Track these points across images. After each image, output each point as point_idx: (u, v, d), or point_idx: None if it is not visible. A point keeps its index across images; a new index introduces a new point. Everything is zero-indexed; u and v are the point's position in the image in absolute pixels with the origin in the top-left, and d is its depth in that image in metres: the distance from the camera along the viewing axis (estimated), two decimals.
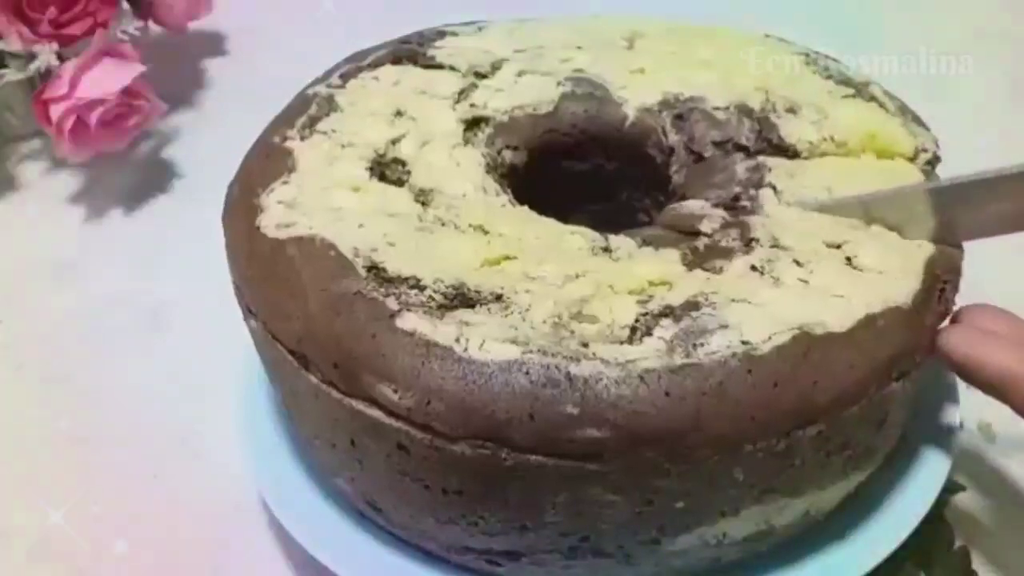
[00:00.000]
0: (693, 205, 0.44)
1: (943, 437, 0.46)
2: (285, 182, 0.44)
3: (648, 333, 0.37)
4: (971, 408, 0.48)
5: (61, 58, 0.68)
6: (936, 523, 0.47)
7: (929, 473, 0.45)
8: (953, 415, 0.47)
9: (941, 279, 0.41)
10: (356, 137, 0.46)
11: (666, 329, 0.37)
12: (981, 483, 0.51)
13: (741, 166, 0.46)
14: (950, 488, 0.49)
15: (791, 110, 0.48)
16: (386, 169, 0.45)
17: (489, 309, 0.38)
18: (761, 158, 0.46)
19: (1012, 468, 0.52)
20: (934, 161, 0.47)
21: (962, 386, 0.47)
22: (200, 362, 0.58)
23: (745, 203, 0.44)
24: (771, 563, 0.43)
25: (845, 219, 0.43)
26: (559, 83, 0.50)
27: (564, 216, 0.44)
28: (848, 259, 0.41)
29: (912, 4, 0.87)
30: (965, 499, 0.50)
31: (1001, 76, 0.79)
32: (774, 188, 0.44)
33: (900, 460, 0.45)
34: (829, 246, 0.41)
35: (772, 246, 0.41)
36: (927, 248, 0.42)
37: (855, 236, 0.42)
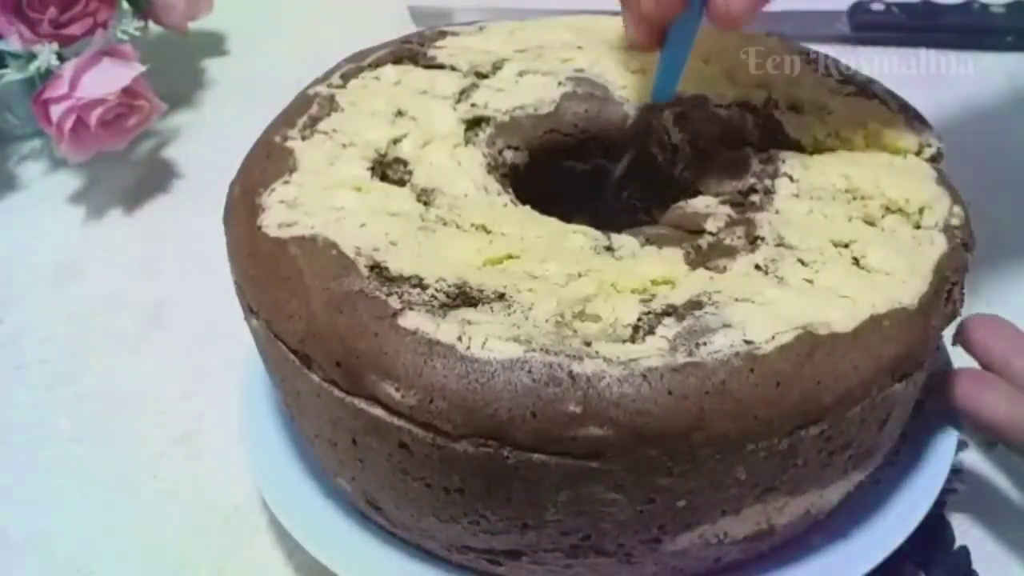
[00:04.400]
0: (698, 203, 0.44)
1: (943, 437, 0.46)
2: (286, 182, 0.44)
3: (651, 332, 0.37)
4: None
5: (61, 58, 0.67)
6: (936, 523, 0.48)
7: (929, 473, 0.45)
8: (953, 415, 0.47)
9: (950, 280, 0.41)
10: (357, 137, 0.46)
11: (669, 328, 0.37)
12: (981, 483, 0.51)
13: (755, 158, 0.46)
14: (950, 488, 0.49)
15: (794, 107, 0.48)
16: (387, 169, 0.45)
17: (491, 308, 0.38)
18: (772, 150, 0.46)
19: (1012, 468, 0.52)
20: (937, 157, 0.47)
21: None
22: (200, 362, 0.58)
23: (755, 198, 0.44)
24: (771, 563, 0.43)
25: (855, 217, 0.43)
26: (560, 83, 0.50)
27: (565, 216, 0.44)
28: (856, 259, 0.41)
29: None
30: (965, 499, 0.50)
31: (1001, 76, 0.79)
32: (790, 177, 0.45)
33: (900, 460, 0.46)
34: (836, 245, 0.41)
35: (778, 245, 0.41)
36: (937, 248, 0.42)
37: (864, 235, 0.42)
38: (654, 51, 0.44)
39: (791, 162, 0.46)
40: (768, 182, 0.45)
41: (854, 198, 0.44)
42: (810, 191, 0.44)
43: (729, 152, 0.47)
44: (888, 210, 0.43)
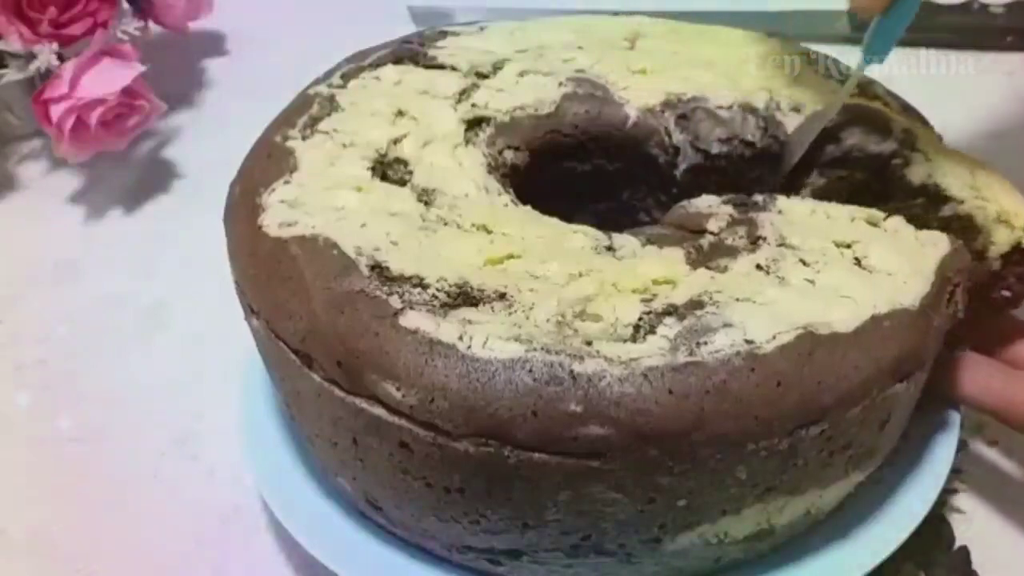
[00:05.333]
0: (701, 203, 0.45)
1: (943, 437, 0.46)
2: (287, 182, 0.44)
3: (651, 331, 0.37)
4: (971, 408, 0.48)
5: (61, 58, 0.68)
6: (936, 523, 0.48)
7: (929, 473, 0.45)
8: (953, 415, 0.47)
9: (952, 282, 0.41)
10: (358, 137, 0.46)
11: (670, 328, 0.37)
12: (981, 483, 0.51)
13: (896, 122, 0.47)
14: (950, 488, 0.49)
15: (796, 109, 0.48)
16: (388, 169, 0.45)
17: (492, 307, 0.38)
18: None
19: (1012, 468, 0.52)
20: None
21: None
22: (200, 362, 0.58)
23: (757, 199, 0.44)
24: (771, 563, 0.43)
25: (857, 217, 0.43)
26: (560, 83, 0.50)
27: (565, 216, 0.44)
28: (857, 259, 0.41)
29: None
30: (965, 499, 0.50)
31: (1001, 76, 0.79)
32: (926, 155, 0.46)
33: (900, 460, 0.45)
34: (839, 245, 0.42)
35: (779, 245, 0.41)
36: (940, 249, 0.42)
37: (866, 236, 0.42)
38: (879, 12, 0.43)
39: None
40: (908, 153, 0.47)
41: (977, 197, 0.45)
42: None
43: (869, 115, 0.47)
44: (998, 220, 0.44)
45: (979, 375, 0.45)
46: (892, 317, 0.39)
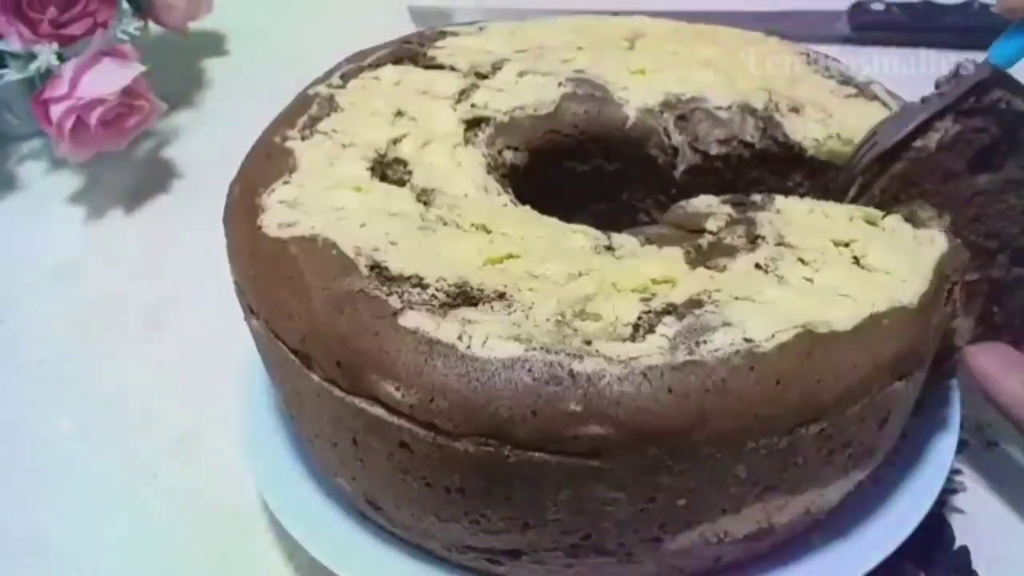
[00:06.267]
0: (699, 203, 0.45)
1: (943, 437, 0.46)
2: (286, 182, 0.44)
3: (651, 331, 0.37)
4: (971, 408, 0.48)
5: (61, 58, 0.67)
6: (936, 523, 0.48)
7: (929, 473, 0.45)
8: (953, 415, 0.47)
9: (950, 280, 0.41)
10: (357, 137, 0.46)
11: (669, 327, 0.37)
12: (981, 483, 0.51)
13: None
14: (950, 488, 0.49)
15: (795, 109, 0.48)
16: (387, 169, 0.45)
17: (492, 307, 0.38)
18: None
19: (1012, 468, 0.52)
20: None
21: (963, 386, 0.47)
22: (200, 362, 0.58)
23: (756, 198, 0.44)
24: (771, 562, 0.43)
25: (856, 217, 0.43)
26: (560, 84, 0.50)
27: (565, 216, 0.44)
28: (856, 258, 0.41)
29: None
30: (965, 499, 0.50)
31: None
32: None
33: (900, 460, 0.46)
34: (837, 244, 0.42)
35: (778, 244, 0.41)
36: (937, 248, 0.42)
37: (864, 234, 0.42)
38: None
39: None
40: None
41: None
42: None
43: None
44: None
45: (1006, 375, 0.44)
46: (891, 315, 0.39)
